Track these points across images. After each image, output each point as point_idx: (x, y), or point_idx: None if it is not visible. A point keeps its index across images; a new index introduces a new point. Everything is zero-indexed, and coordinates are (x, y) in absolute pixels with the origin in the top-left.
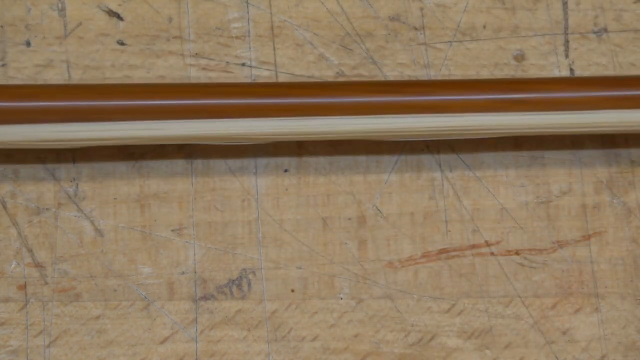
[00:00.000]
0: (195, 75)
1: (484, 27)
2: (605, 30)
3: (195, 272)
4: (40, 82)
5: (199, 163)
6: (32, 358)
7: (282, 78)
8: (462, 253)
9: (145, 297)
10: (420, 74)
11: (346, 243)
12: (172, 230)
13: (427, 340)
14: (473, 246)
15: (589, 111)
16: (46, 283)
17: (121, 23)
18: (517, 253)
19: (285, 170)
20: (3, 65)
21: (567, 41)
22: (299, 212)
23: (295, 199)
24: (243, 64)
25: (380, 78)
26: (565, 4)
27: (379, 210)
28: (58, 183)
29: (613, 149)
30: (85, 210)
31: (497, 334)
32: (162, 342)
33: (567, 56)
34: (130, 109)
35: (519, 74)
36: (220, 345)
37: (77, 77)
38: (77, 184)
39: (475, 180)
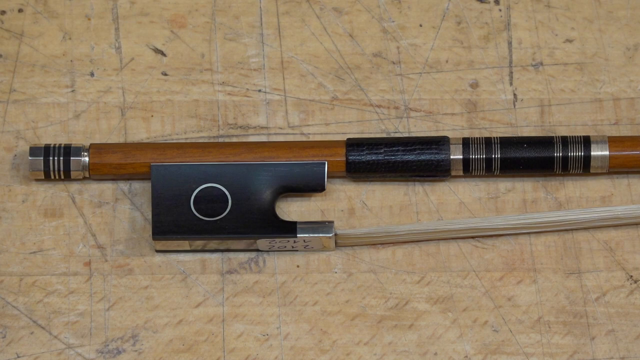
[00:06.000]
0: (223, 99)
1: (447, 61)
2: (541, 63)
3: (222, 253)
4: (101, 104)
5: None
6: (95, 319)
7: (290, 101)
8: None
9: (184, 272)
10: (397, 98)
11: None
12: None
13: (403, 304)
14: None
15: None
16: (106, 261)
17: (165, 58)
18: (472, 237)
19: None
20: (73, 91)
21: (511, 72)
22: (303, 205)
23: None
24: (259, 90)
25: (366, 101)
26: (510, 43)
27: (364, 204)
28: (116, 183)
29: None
30: (137, 203)
31: (457, 300)
32: (196, 306)
33: (511, 84)
34: None
35: (474, 98)
36: (242, 309)
37: (130, 100)
38: (131, 184)
39: (439, 180)
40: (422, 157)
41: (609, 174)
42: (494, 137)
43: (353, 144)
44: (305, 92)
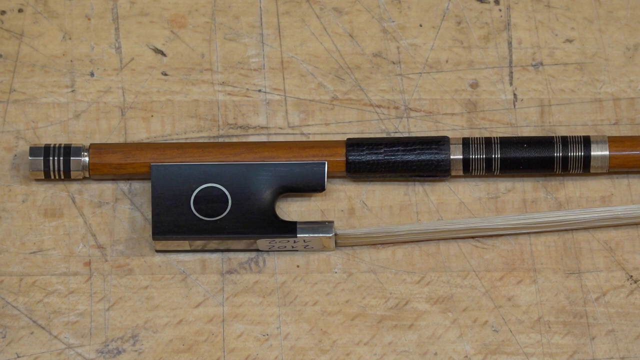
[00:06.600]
0: (223, 99)
1: (447, 61)
2: (541, 63)
3: (222, 253)
4: (101, 104)
5: None
6: (95, 319)
7: (290, 101)
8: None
9: (184, 272)
10: (397, 98)
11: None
12: None
13: (403, 304)
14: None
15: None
16: (106, 261)
17: (165, 58)
18: (472, 237)
19: None
20: (73, 91)
21: (511, 72)
22: (303, 205)
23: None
24: (259, 90)
25: (366, 101)
26: (510, 43)
27: (364, 204)
28: (116, 183)
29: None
30: (137, 203)
31: (457, 300)
32: (196, 306)
33: (511, 84)
34: None
35: (474, 98)
36: (242, 309)
37: (130, 100)
38: (131, 184)
39: (439, 180)
40: (422, 157)
41: (609, 174)
42: (494, 137)
43: (353, 144)
44: (305, 92)
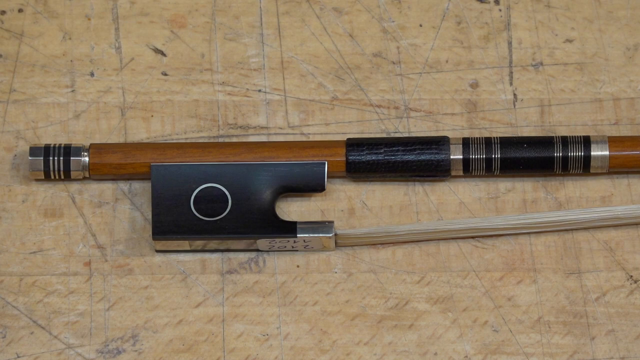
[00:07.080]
0: (223, 99)
1: (447, 61)
2: (541, 63)
3: (222, 253)
4: (101, 104)
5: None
6: (95, 319)
7: (290, 101)
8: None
9: (184, 272)
10: (397, 98)
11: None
12: None
13: (403, 304)
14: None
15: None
16: (106, 261)
17: (165, 58)
18: (472, 237)
19: None
20: (73, 90)
21: (511, 72)
22: (303, 205)
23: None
24: (259, 90)
25: (366, 101)
26: (510, 43)
27: (364, 204)
28: (116, 183)
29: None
30: (137, 203)
31: (457, 300)
32: (196, 306)
33: (511, 84)
34: None
35: (474, 98)
36: (242, 309)
37: (130, 100)
38: (131, 184)
39: (439, 180)
40: (422, 157)
41: (609, 174)
42: (494, 137)
43: (353, 144)
44: (305, 92)
